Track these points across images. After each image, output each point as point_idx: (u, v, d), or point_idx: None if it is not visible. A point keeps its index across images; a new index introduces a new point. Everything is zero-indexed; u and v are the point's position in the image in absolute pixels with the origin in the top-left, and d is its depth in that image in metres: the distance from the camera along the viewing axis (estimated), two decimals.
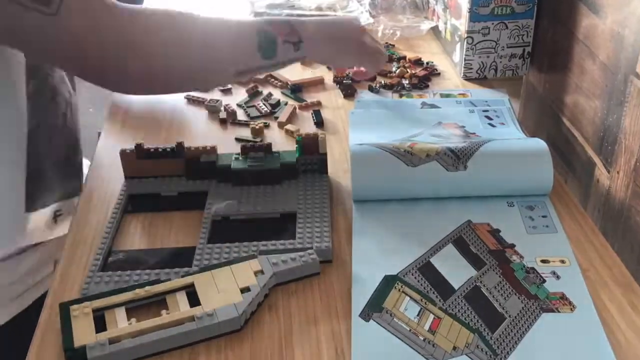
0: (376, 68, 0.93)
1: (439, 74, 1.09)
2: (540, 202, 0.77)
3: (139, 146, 0.79)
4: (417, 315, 0.62)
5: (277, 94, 1.02)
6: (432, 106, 0.97)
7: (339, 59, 0.86)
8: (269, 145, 0.80)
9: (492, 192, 0.77)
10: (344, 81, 1.04)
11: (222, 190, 0.78)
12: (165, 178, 0.80)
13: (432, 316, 0.62)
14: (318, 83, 1.05)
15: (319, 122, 0.94)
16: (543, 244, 0.71)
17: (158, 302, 0.63)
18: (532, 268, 0.68)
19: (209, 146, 0.79)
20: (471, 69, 1.05)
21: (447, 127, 0.90)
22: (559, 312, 0.62)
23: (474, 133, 0.88)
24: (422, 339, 0.60)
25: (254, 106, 0.98)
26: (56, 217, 0.85)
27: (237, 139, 0.90)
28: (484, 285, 0.66)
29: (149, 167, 0.80)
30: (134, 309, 0.62)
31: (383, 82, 1.05)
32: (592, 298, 0.64)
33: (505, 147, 0.78)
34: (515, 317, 0.62)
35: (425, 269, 0.68)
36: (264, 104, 0.98)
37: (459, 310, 0.63)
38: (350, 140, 0.87)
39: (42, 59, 0.64)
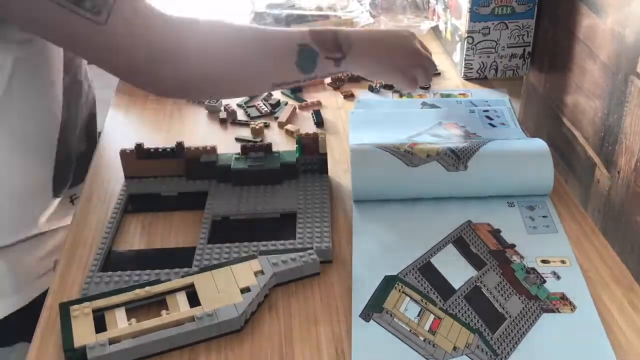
0: (427, 80, 0.87)
1: (439, 74, 1.09)
2: (540, 202, 0.77)
3: (139, 146, 0.79)
4: (418, 315, 0.62)
5: (277, 94, 1.02)
6: (433, 106, 0.97)
7: (383, 76, 0.86)
8: (269, 145, 0.80)
9: (493, 192, 0.77)
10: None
11: (222, 190, 0.78)
12: (165, 178, 0.80)
13: (432, 316, 0.62)
14: (318, 83, 1.05)
15: (319, 122, 0.94)
16: (543, 244, 0.71)
17: (158, 303, 0.63)
18: (533, 268, 0.67)
19: (209, 146, 0.79)
20: (471, 69, 1.05)
21: (448, 127, 0.90)
22: (559, 312, 0.62)
23: (475, 133, 0.88)
24: (422, 339, 0.60)
25: (254, 106, 0.98)
26: (72, 200, 0.90)
27: (237, 139, 0.90)
28: (484, 286, 0.66)
29: (149, 167, 0.80)
30: (134, 309, 0.62)
31: (383, 82, 1.05)
32: (592, 298, 0.64)
33: (506, 147, 0.78)
34: (516, 317, 0.62)
35: (426, 269, 0.67)
36: (264, 104, 0.98)
37: (459, 311, 0.63)
38: (351, 140, 0.87)
39: (98, 64, 0.67)
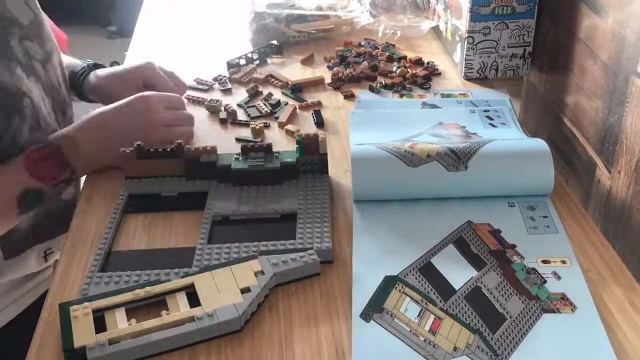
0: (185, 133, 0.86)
1: (439, 74, 1.09)
2: (541, 203, 0.76)
3: (139, 146, 0.79)
4: (418, 315, 0.62)
5: (277, 94, 1.02)
6: (433, 106, 0.97)
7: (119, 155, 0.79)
8: (269, 146, 0.80)
9: (493, 192, 0.77)
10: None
11: (222, 191, 0.78)
12: (165, 178, 0.80)
13: (432, 317, 0.62)
14: (318, 83, 1.05)
15: (319, 122, 0.94)
16: (544, 244, 0.71)
17: (158, 303, 0.63)
18: (533, 268, 0.67)
19: (209, 146, 0.79)
20: (472, 68, 1.05)
21: (448, 127, 0.90)
22: (560, 312, 0.62)
23: (475, 133, 0.88)
24: (422, 339, 0.60)
25: (254, 106, 0.98)
26: (46, 255, 0.93)
27: (237, 139, 0.90)
28: (484, 286, 0.65)
29: (149, 167, 0.80)
30: (134, 309, 0.62)
31: (383, 82, 1.05)
32: (593, 298, 0.64)
33: (506, 148, 0.78)
34: (516, 317, 0.62)
35: (426, 269, 0.67)
36: (264, 104, 0.98)
37: (459, 311, 0.63)
38: (351, 141, 0.87)
39: None
